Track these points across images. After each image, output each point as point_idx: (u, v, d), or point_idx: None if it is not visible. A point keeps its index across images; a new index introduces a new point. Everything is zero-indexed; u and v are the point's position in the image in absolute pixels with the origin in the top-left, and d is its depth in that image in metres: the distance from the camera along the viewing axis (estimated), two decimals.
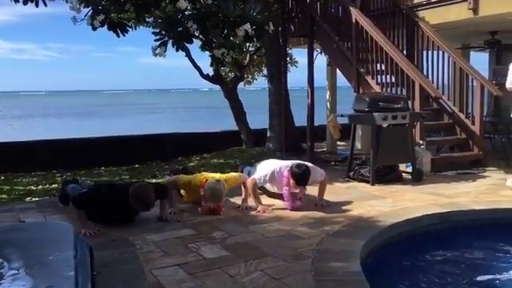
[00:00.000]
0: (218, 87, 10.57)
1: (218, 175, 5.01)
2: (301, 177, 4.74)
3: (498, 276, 3.68)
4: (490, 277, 3.67)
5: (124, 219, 4.41)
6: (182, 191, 5.22)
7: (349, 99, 6.96)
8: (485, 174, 6.53)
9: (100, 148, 10.78)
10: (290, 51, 10.87)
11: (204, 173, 5.28)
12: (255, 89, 12.22)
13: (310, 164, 5.07)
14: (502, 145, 7.49)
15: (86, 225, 4.14)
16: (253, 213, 4.75)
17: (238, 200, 5.08)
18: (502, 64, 10.65)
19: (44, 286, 2.58)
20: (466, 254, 4.05)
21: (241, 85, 11.09)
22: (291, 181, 4.77)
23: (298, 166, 4.79)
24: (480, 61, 12.15)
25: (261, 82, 11.72)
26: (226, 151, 10.00)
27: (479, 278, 3.63)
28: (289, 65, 10.42)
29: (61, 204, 5.05)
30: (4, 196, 6.13)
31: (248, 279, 3.12)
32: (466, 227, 4.47)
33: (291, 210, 4.79)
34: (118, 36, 6.60)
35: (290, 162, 4.96)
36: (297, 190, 4.86)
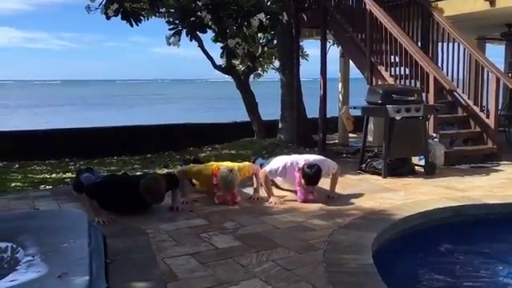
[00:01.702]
0: (230, 78, 10.56)
1: (230, 164, 5.02)
2: (311, 178, 4.71)
3: (510, 269, 3.65)
4: (502, 270, 3.65)
5: (136, 210, 4.45)
6: (195, 180, 5.25)
7: (361, 91, 6.92)
8: (498, 167, 6.47)
9: (112, 137, 10.88)
10: (301, 44, 10.81)
11: (216, 162, 5.29)
12: (267, 80, 12.17)
13: (322, 157, 5.05)
14: None
15: (100, 213, 4.19)
16: (265, 204, 4.76)
17: (249, 191, 5.09)
18: None
19: (59, 272, 2.62)
20: (479, 248, 4.02)
21: (251, 77, 11.07)
22: (302, 180, 4.76)
23: (310, 166, 4.72)
24: (496, 53, 11.99)
25: (272, 74, 11.69)
26: (238, 142, 10.01)
27: (491, 272, 3.61)
28: (300, 57, 10.35)
29: (75, 192, 5.10)
30: (18, 184, 6.21)
31: (260, 269, 3.13)
32: (479, 221, 4.44)
33: (302, 202, 4.79)
34: (132, 26, 6.63)
35: (302, 160, 4.89)
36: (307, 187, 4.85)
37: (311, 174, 4.69)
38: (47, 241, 3.13)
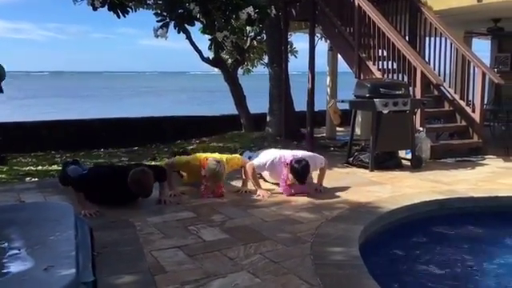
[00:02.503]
0: (218, 71, 10.53)
1: (218, 155, 5.01)
2: (299, 174, 4.70)
3: (495, 262, 3.71)
4: (486, 262, 3.70)
5: (123, 202, 4.43)
6: (183, 172, 5.24)
7: (349, 85, 6.94)
8: (484, 161, 6.55)
9: (99, 130, 10.79)
10: (290, 38, 10.80)
11: (204, 153, 5.27)
12: (256, 73, 12.15)
13: (310, 153, 5.06)
14: (502, 133, 7.49)
15: (86, 206, 4.16)
16: (252, 197, 4.77)
17: (237, 183, 5.10)
18: (504, 52, 10.64)
19: (45, 265, 2.60)
20: (464, 241, 4.08)
21: (240, 72, 11.05)
22: (290, 175, 4.76)
23: (298, 161, 4.72)
24: (482, 48, 12.11)
25: (262, 68, 11.67)
26: (226, 135, 10.00)
27: (476, 264, 3.67)
28: (288, 53, 10.34)
29: (61, 185, 5.06)
30: (3, 176, 6.14)
31: (247, 262, 3.14)
32: (465, 214, 4.50)
33: (287, 195, 4.81)
34: (119, 17, 6.56)
35: (290, 155, 4.88)
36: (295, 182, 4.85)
37: (299, 169, 4.69)
38: (33, 233, 3.11)
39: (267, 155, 5.06)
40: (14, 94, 37.42)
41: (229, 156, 5.15)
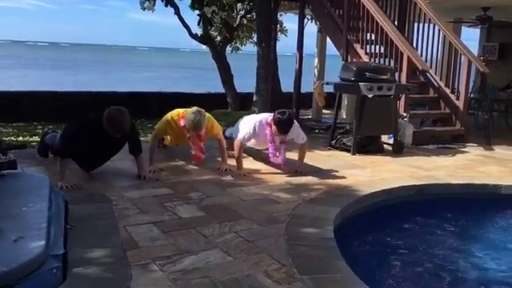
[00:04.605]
0: (207, 48, 10.44)
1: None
2: (283, 123, 4.68)
3: (465, 247, 3.77)
4: (457, 247, 3.76)
5: (105, 157, 4.44)
6: (167, 137, 5.21)
7: (337, 68, 6.91)
8: (465, 149, 6.61)
9: (85, 102, 10.64)
10: (280, 18, 10.71)
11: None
12: (245, 52, 12.07)
13: (295, 121, 5.01)
14: (485, 122, 7.55)
15: (64, 178, 4.11)
16: (232, 176, 4.76)
17: (216, 163, 5.08)
18: (492, 41, 10.67)
19: (15, 236, 2.58)
20: (438, 226, 4.12)
21: (228, 50, 10.95)
22: (273, 127, 4.74)
23: (282, 112, 4.73)
24: (472, 37, 12.12)
25: (251, 47, 11.58)
26: (211, 113, 9.91)
27: (447, 250, 3.72)
28: (278, 32, 10.27)
29: (39, 156, 5.00)
30: None
31: (221, 240, 3.15)
32: (441, 200, 4.54)
33: (274, 162, 4.85)
34: None
35: (270, 116, 4.88)
36: (277, 142, 4.85)
37: (283, 119, 4.68)
38: (6, 204, 3.08)
39: (247, 124, 5.00)
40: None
41: (211, 117, 5.04)
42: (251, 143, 5.15)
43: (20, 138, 6.76)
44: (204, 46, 10.46)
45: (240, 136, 4.94)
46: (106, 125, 4.13)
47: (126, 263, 2.73)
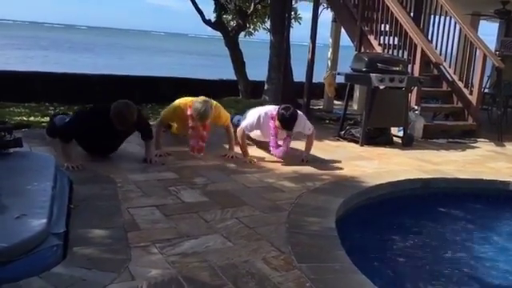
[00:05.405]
0: (219, 35, 10.39)
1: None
2: (287, 120, 4.67)
3: (470, 240, 3.74)
4: (462, 241, 3.74)
5: (111, 147, 4.46)
6: (172, 123, 5.23)
7: (351, 59, 6.84)
8: (475, 144, 6.54)
9: (97, 85, 10.69)
10: (295, 5, 10.60)
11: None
12: (258, 41, 11.99)
13: (301, 113, 4.99)
14: (498, 118, 7.45)
15: (70, 159, 4.14)
16: (238, 162, 4.76)
17: (225, 149, 5.08)
18: (511, 36, 10.47)
19: (18, 213, 2.62)
20: (443, 221, 4.10)
21: (241, 35, 10.88)
22: (277, 122, 4.73)
23: (286, 108, 4.71)
24: (490, 32, 11.91)
25: (264, 36, 11.49)
26: (223, 100, 9.91)
27: (450, 246, 3.69)
28: (292, 20, 10.17)
29: (48, 136, 5.05)
30: None
31: (222, 225, 3.16)
32: (447, 195, 4.50)
33: (277, 155, 4.84)
34: None
35: (275, 109, 4.86)
36: (282, 137, 4.85)
37: (287, 116, 4.66)
38: (11, 182, 3.12)
39: (253, 114, 5.01)
40: (10, 42, 36.99)
41: (218, 106, 5.02)
42: (256, 135, 5.15)
43: (31, 118, 6.80)
44: (219, 34, 10.42)
45: (243, 124, 4.95)
46: (113, 118, 4.18)
47: (126, 244, 2.75)
